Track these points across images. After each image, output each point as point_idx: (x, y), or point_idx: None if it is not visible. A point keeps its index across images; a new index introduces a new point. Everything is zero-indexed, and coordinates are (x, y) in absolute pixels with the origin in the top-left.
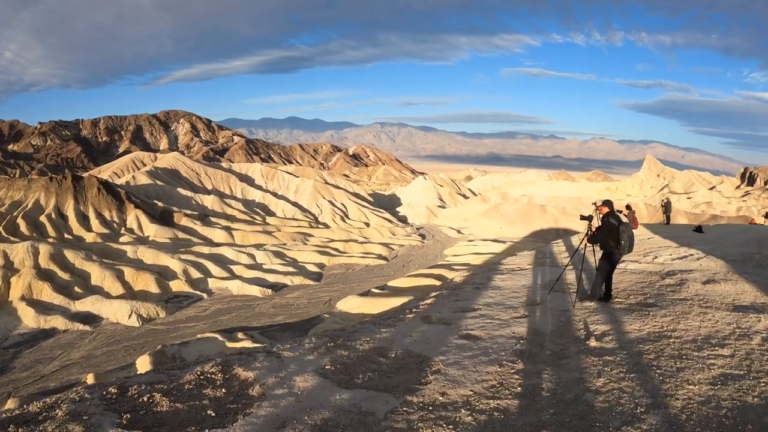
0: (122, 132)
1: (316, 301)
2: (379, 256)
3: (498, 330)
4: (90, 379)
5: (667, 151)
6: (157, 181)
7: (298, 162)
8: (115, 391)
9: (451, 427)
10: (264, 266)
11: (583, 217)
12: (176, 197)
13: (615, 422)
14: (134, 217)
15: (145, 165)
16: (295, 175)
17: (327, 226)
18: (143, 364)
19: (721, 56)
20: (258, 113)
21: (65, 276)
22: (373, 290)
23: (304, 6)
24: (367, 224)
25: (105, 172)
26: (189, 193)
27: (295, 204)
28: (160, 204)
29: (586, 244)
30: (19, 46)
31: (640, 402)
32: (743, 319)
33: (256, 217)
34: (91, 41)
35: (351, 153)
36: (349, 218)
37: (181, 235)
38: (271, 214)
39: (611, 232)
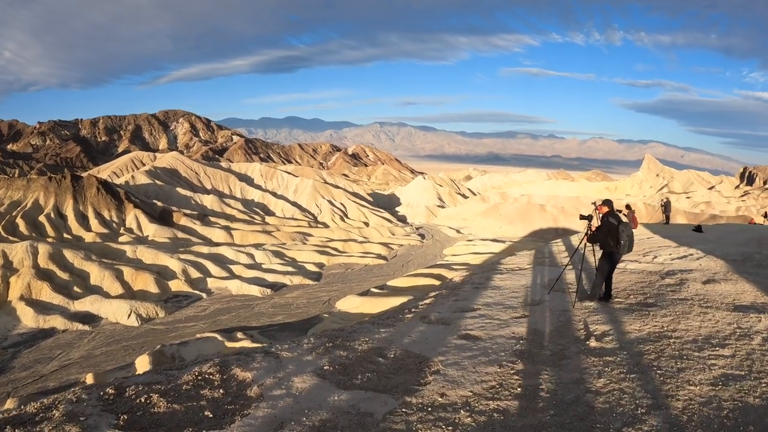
0: (121, 132)
1: (315, 301)
2: (379, 256)
3: (497, 330)
4: (89, 378)
5: (667, 150)
6: (157, 181)
7: (297, 162)
8: (113, 391)
9: (450, 428)
10: (263, 266)
11: (582, 217)
12: (175, 197)
13: (616, 423)
14: (133, 216)
15: (144, 165)
16: (294, 175)
17: (326, 226)
18: (142, 363)
19: (720, 56)
20: (257, 113)
21: (64, 276)
22: (373, 290)
23: (303, 5)
24: (367, 224)
25: (104, 171)
26: (188, 193)
27: (294, 204)
28: (159, 204)
29: (585, 244)
30: (17, 45)
31: (641, 403)
32: (744, 319)
33: (256, 216)
34: (89, 40)
35: (350, 153)
36: (348, 218)
37: (180, 234)
38: (271, 213)
39: (611, 232)
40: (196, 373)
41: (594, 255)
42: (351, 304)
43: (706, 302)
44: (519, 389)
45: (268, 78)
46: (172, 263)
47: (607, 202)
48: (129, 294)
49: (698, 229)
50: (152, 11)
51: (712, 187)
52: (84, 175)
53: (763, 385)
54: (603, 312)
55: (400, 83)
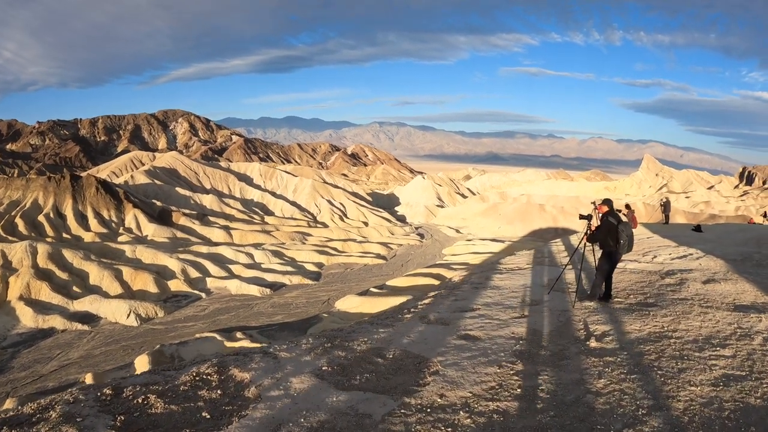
0: (120, 131)
1: (314, 301)
2: (378, 256)
3: (497, 330)
4: (88, 378)
5: (666, 150)
6: (156, 181)
7: (296, 161)
8: (110, 392)
9: (449, 429)
10: (262, 265)
11: (582, 217)
12: (175, 197)
13: (616, 424)
14: (133, 216)
15: (143, 164)
16: (293, 175)
17: (325, 226)
18: (142, 363)
19: (719, 56)
20: (256, 112)
21: (63, 275)
22: (372, 290)
23: (302, 5)
24: (366, 223)
25: (103, 171)
26: (187, 193)
27: (293, 203)
28: (158, 203)
29: (585, 244)
30: (16, 45)
31: (642, 404)
32: (744, 319)
33: (255, 216)
34: (89, 40)
35: (349, 152)
36: (347, 218)
37: (179, 234)
38: (270, 213)
39: (610, 232)
40: (194, 374)
41: (594, 255)
42: (350, 304)
43: (707, 302)
44: (519, 390)
45: (268, 78)
46: (172, 263)
47: (607, 202)
48: (128, 294)
49: (698, 228)
50: (152, 11)
51: (712, 187)
52: (83, 174)
53: (765, 385)
54: (603, 312)
55: (399, 83)
